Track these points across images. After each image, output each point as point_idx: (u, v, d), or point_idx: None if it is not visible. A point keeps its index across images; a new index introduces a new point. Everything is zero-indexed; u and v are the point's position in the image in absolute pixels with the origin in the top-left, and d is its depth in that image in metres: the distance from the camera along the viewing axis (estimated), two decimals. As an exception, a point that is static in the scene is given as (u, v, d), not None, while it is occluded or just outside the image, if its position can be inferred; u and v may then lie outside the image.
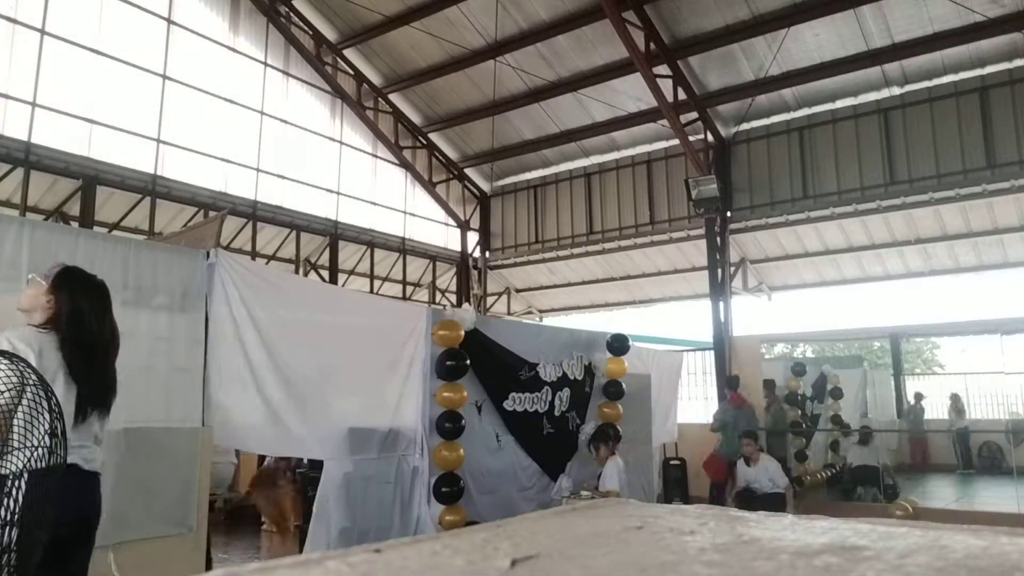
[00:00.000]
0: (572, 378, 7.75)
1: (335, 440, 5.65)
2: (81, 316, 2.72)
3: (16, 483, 2.34)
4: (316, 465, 6.19)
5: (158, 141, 10.54)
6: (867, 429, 9.87)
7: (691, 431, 10.20)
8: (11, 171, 9.04)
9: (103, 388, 2.81)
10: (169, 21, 10.84)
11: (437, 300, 14.98)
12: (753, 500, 7.44)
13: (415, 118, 14.47)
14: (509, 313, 16.24)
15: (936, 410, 12.37)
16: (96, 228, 9.25)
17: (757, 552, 0.69)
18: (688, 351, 12.34)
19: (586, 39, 11.71)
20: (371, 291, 13.54)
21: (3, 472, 2.34)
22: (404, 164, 14.45)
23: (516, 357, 7.18)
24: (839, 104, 11.51)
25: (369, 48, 13.17)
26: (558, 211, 14.71)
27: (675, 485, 9.78)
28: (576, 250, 14.47)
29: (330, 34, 13.02)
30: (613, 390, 8.04)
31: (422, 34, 12.15)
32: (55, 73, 9.39)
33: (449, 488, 6.12)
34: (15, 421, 2.42)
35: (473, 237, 15.75)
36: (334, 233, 13.02)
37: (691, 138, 11.68)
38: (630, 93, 12.19)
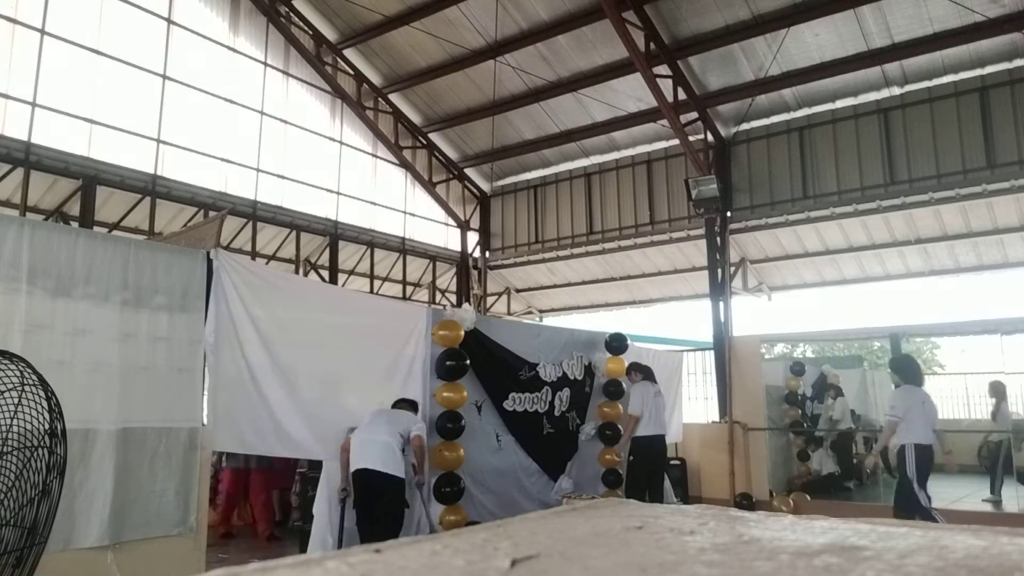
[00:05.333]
0: (572, 378, 7.75)
1: (335, 440, 5.65)
2: None
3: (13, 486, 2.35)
4: (316, 465, 6.19)
5: (158, 141, 10.53)
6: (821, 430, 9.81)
7: (691, 431, 10.19)
8: (11, 171, 9.04)
9: None
10: (169, 21, 10.84)
11: (437, 300, 14.98)
12: None
13: (415, 118, 14.47)
14: (509, 313, 16.24)
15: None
16: (96, 228, 9.25)
17: (757, 552, 0.69)
18: (688, 351, 12.33)
19: (586, 39, 11.70)
20: (371, 291, 13.54)
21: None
22: (404, 164, 14.45)
23: (516, 357, 7.18)
24: (839, 104, 11.51)
25: (369, 48, 13.17)
26: (558, 211, 14.71)
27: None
28: (576, 250, 14.46)
29: (330, 34, 13.02)
30: (613, 390, 8.04)
31: (422, 34, 12.15)
32: (55, 73, 9.38)
33: (449, 488, 6.12)
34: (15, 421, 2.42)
35: (473, 237, 15.75)
36: (334, 233, 13.02)
37: (691, 138, 11.68)
38: (630, 93, 12.19)
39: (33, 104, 9.18)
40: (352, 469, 5.37)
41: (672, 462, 10.04)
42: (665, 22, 10.99)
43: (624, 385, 7.95)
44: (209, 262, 4.93)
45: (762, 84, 11.33)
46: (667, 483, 7.94)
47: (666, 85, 11.12)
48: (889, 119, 11.08)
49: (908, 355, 7.38)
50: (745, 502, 8.75)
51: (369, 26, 12.56)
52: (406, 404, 5.89)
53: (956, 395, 12.23)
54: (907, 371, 6.51)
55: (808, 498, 8.82)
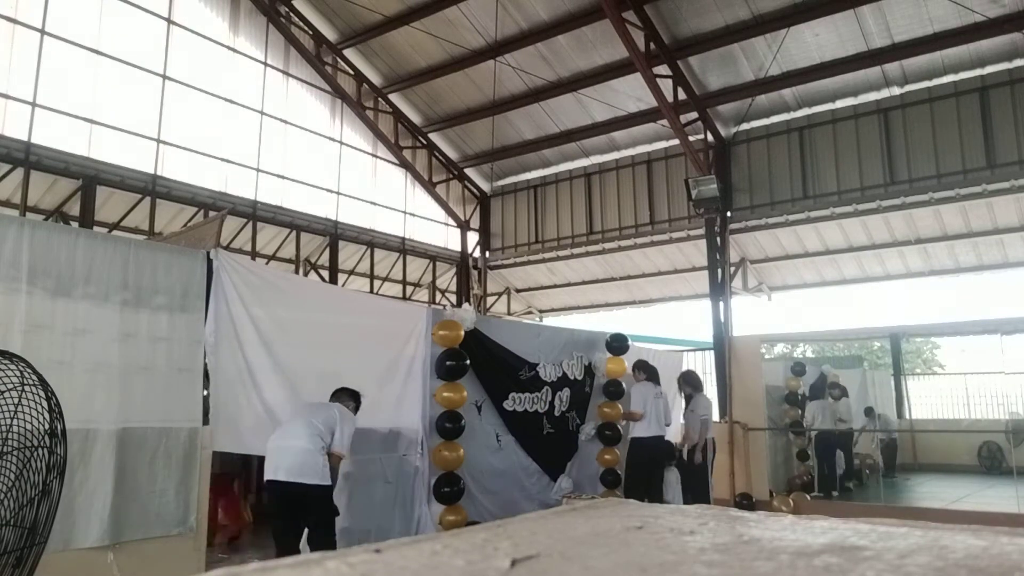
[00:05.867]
0: (572, 378, 7.75)
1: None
2: None
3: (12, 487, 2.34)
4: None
5: (158, 141, 10.53)
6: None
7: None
8: (11, 171, 9.04)
9: None
10: (169, 21, 10.84)
11: (437, 300, 14.98)
12: None
13: (415, 118, 14.47)
14: (509, 313, 16.24)
15: (936, 410, 12.37)
16: (96, 228, 9.25)
17: (757, 552, 0.69)
18: (688, 351, 12.33)
19: (586, 39, 11.70)
20: (371, 291, 13.54)
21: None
22: (404, 164, 14.45)
23: (516, 357, 7.18)
24: (839, 104, 11.51)
25: (369, 48, 13.17)
26: (558, 211, 14.71)
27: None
28: (576, 250, 14.47)
29: (330, 34, 13.02)
30: (613, 390, 8.03)
31: (422, 34, 12.15)
32: (55, 73, 9.38)
33: (449, 488, 6.12)
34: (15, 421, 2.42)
35: (473, 237, 15.75)
36: (334, 233, 13.02)
37: (691, 138, 11.68)
38: (630, 93, 12.19)
39: (33, 104, 9.18)
40: (265, 479, 4.81)
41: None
42: (665, 22, 10.99)
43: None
44: (209, 262, 4.93)
45: (762, 84, 11.34)
46: (678, 484, 7.89)
47: (666, 85, 11.12)
48: (889, 119, 11.09)
49: (692, 371, 8.63)
50: (745, 502, 8.74)
51: (369, 26, 12.56)
52: (346, 394, 5.21)
53: (956, 395, 12.24)
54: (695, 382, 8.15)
55: (808, 498, 8.82)
